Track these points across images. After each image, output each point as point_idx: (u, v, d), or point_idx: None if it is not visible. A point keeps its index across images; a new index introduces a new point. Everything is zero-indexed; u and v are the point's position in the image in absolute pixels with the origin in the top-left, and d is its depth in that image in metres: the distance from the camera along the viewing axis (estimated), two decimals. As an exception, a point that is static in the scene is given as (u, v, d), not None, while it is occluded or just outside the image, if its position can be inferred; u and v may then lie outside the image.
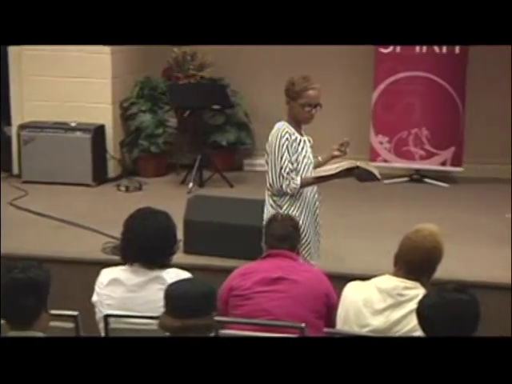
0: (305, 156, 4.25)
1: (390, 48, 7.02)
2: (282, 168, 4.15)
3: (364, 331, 3.42)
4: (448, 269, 3.51)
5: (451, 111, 7.02)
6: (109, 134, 7.11)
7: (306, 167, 4.24)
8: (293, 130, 4.22)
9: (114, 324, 3.51)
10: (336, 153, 4.38)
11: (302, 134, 4.29)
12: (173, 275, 3.49)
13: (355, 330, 3.44)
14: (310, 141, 4.35)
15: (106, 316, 3.49)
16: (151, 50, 6.99)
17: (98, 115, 7.02)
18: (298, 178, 4.18)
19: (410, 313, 3.31)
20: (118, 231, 3.73)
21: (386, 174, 7.17)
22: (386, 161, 7.17)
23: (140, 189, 6.86)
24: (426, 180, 7.09)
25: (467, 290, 2.93)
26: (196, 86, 7.26)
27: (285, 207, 4.22)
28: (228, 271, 3.92)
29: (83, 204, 6.34)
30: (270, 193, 4.27)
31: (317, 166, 4.36)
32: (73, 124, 6.91)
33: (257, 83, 7.56)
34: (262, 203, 5.27)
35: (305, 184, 4.20)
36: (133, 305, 3.52)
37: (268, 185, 4.26)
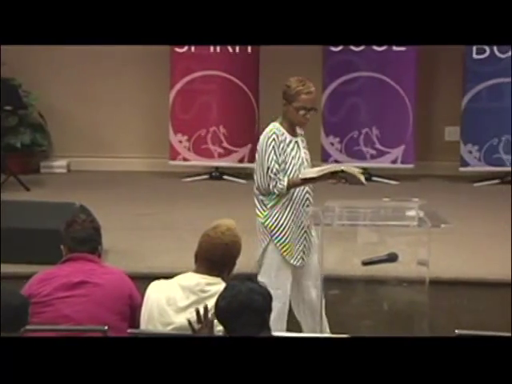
0: (293, 157, 4.26)
1: (185, 48, 7.08)
2: (268, 168, 4.19)
3: (168, 329, 3.44)
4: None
5: (246, 109, 7.20)
6: None
7: (295, 168, 4.25)
8: (283, 130, 4.25)
9: None
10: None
11: (295, 135, 4.29)
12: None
13: (159, 328, 3.46)
14: (303, 141, 4.35)
15: None
16: None
17: None
18: (285, 179, 4.21)
19: (212, 308, 3.36)
20: None
21: (186, 173, 7.25)
22: (185, 159, 7.23)
23: None
24: (226, 177, 7.23)
25: (259, 281, 3.03)
26: (-15, 87, 6.96)
27: (269, 205, 4.24)
28: (26, 278, 3.80)
29: None
30: (256, 192, 4.28)
31: None
32: None
33: (51, 83, 7.36)
34: (60, 205, 5.17)
35: (291, 185, 4.24)
36: None
37: (256, 184, 4.27)
